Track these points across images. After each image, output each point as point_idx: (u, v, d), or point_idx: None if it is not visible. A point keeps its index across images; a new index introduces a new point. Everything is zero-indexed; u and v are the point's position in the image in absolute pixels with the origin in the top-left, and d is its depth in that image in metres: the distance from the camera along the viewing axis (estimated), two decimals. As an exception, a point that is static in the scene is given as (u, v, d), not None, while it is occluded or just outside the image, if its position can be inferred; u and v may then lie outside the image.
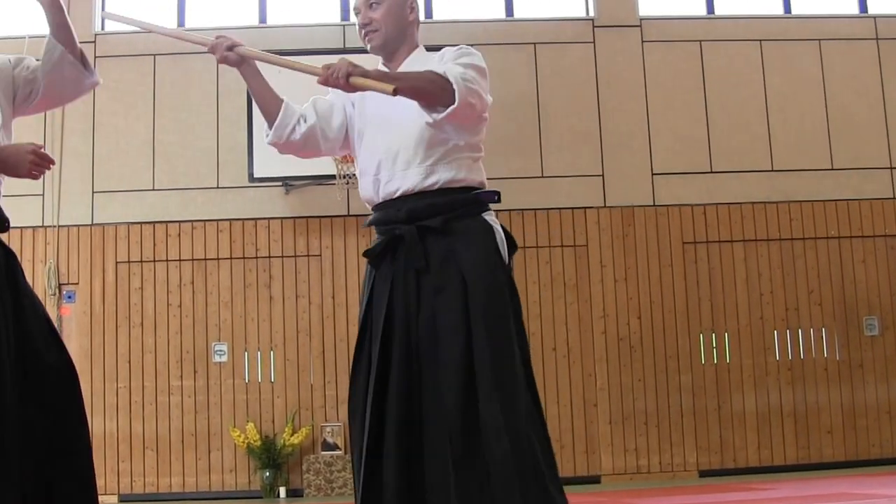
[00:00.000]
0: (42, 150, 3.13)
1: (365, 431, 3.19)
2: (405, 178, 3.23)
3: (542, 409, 3.20)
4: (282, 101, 3.39)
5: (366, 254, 3.35)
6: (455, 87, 3.04)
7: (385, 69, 3.27)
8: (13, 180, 3.25)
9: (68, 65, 3.32)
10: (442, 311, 3.16)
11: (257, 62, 3.35)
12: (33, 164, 3.10)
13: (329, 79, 3.02)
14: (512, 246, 3.32)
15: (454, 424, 3.09)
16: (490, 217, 3.28)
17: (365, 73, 3.00)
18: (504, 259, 3.25)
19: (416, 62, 3.34)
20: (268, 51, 8.80)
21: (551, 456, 3.16)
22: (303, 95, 3.53)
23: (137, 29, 9.30)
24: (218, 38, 3.33)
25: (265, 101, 3.42)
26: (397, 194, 3.24)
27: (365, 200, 3.37)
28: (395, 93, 2.96)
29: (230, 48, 3.28)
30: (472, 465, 3.05)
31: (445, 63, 3.20)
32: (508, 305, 3.20)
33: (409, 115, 3.19)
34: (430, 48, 3.46)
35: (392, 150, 3.24)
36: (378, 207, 3.32)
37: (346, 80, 2.99)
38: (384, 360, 3.20)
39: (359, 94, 3.32)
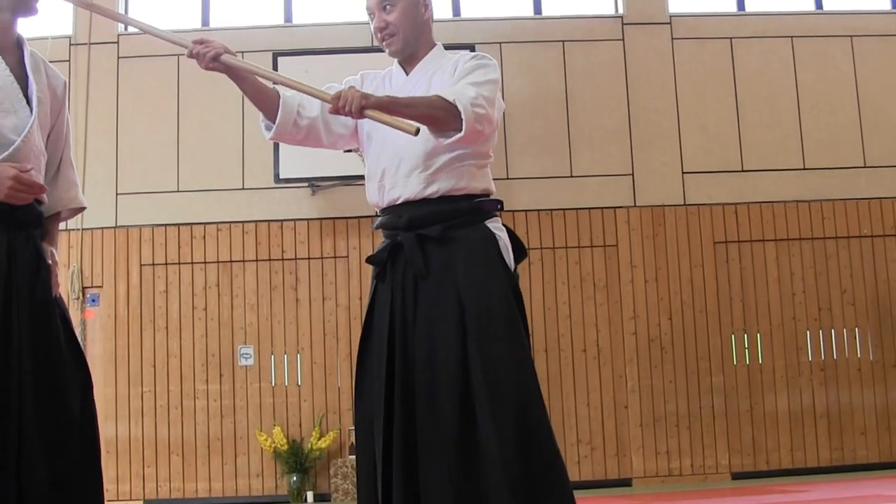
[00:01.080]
0: (28, 173, 3.04)
1: (379, 442, 3.19)
2: (406, 185, 3.23)
3: (546, 416, 3.16)
4: (277, 95, 3.34)
5: (369, 260, 3.37)
6: (463, 115, 3.04)
7: (395, 94, 3.21)
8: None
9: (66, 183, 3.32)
10: (438, 323, 3.17)
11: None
12: (12, 189, 3.00)
13: (341, 109, 3.01)
14: (520, 252, 3.31)
15: (450, 440, 3.09)
16: (494, 224, 3.28)
17: (379, 104, 2.99)
18: (508, 267, 3.24)
19: (433, 63, 3.35)
20: (294, 52, 8.67)
21: (557, 471, 3.11)
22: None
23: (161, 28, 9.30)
24: (198, 44, 3.23)
25: (258, 99, 3.37)
26: (399, 201, 3.25)
27: (371, 204, 3.38)
28: (417, 133, 2.98)
29: (215, 58, 3.18)
30: (469, 483, 3.06)
31: (458, 78, 3.20)
32: (508, 314, 3.18)
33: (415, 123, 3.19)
34: (458, 46, 3.42)
35: (396, 158, 3.23)
36: (383, 212, 3.33)
37: (359, 112, 2.99)
38: (389, 371, 3.20)
39: (371, 90, 3.31)
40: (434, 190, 3.21)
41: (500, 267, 3.22)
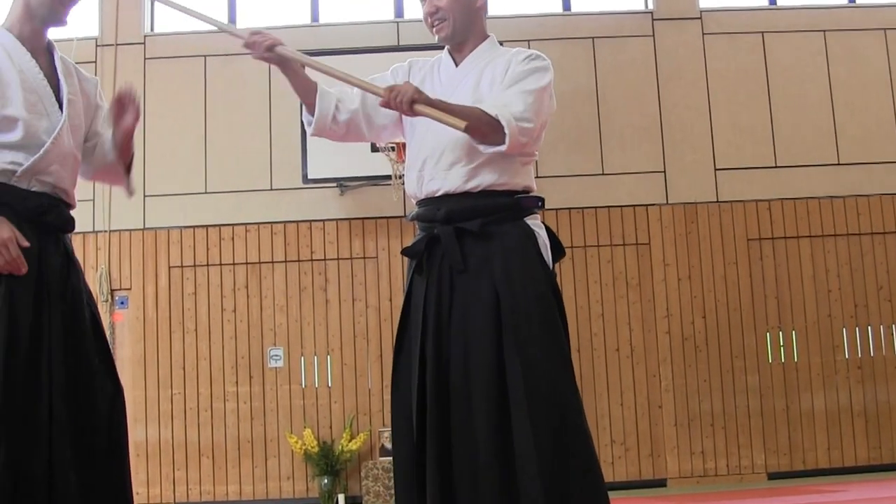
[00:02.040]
0: (14, 245, 3.04)
1: (413, 441, 3.20)
2: (447, 178, 3.22)
3: (584, 415, 3.15)
4: (316, 88, 3.34)
5: (404, 252, 3.35)
6: (507, 131, 3.04)
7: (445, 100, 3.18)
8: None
9: (115, 171, 3.41)
10: (473, 320, 3.17)
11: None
12: None
13: (391, 102, 3.02)
14: (558, 251, 3.30)
15: (484, 441, 3.08)
16: (534, 221, 3.27)
17: (430, 102, 3.01)
18: (547, 265, 3.23)
19: (485, 55, 3.31)
20: (321, 51, 8.62)
21: (592, 476, 3.09)
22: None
23: (187, 30, 9.29)
24: (254, 35, 3.26)
25: (304, 95, 3.38)
26: (438, 193, 3.23)
27: (409, 194, 3.37)
28: (467, 129, 2.98)
29: (270, 48, 3.21)
30: (503, 485, 3.04)
31: (509, 83, 3.18)
32: (547, 313, 3.17)
33: None
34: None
35: (438, 149, 3.22)
36: (420, 203, 3.31)
37: (409, 107, 3.00)
38: (422, 367, 3.19)
39: (418, 80, 3.32)
40: (475, 184, 3.19)
41: (538, 264, 3.20)
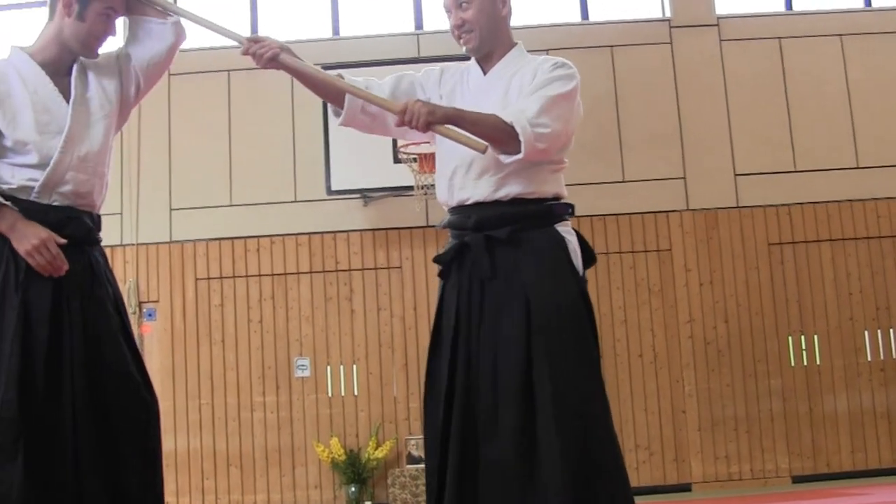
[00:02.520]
0: (53, 244, 3.14)
1: (436, 450, 3.21)
2: (476, 187, 3.23)
3: (611, 422, 3.16)
4: (342, 81, 3.31)
5: (436, 259, 3.38)
6: (522, 137, 3.03)
7: (456, 107, 3.20)
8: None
9: (143, 23, 3.39)
10: (503, 326, 3.17)
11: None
12: (35, 249, 3.12)
13: (406, 124, 3.03)
14: (589, 257, 3.31)
15: (510, 449, 3.06)
16: (564, 228, 3.26)
17: (446, 118, 3.03)
18: (577, 271, 3.23)
19: (513, 64, 3.32)
20: (342, 64, 8.70)
21: (618, 483, 3.09)
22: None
23: (210, 46, 9.33)
24: (253, 43, 3.27)
25: (322, 92, 3.42)
26: (469, 202, 3.24)
27: (440, 202, 3.38)
28: (485, 150, 3.01)
29: (272, 59, 3.24)
30: (528, 490, 3.05)
31: (533, 89, 3.18)
32: (576, 320, 3.17)
33: None
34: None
35: (467, 158, 3.21)
36: (452, 211, 3.32)
37: (426, 129, 3.03)
38: (451, 373, 3.21)
39: (448, 88, 3.39)
40: (504, 193, 3.20)
41: (568, 271, 3.21)
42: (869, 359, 8.93)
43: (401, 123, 3.05)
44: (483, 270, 3.20)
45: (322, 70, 3.36)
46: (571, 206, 3.32)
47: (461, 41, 3.35)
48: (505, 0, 3.35)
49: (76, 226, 3.24)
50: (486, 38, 3.32)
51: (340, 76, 3.35)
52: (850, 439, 8.80)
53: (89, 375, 3.16)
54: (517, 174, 3.19)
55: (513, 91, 3.27)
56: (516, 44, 3.40)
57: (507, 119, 3.06)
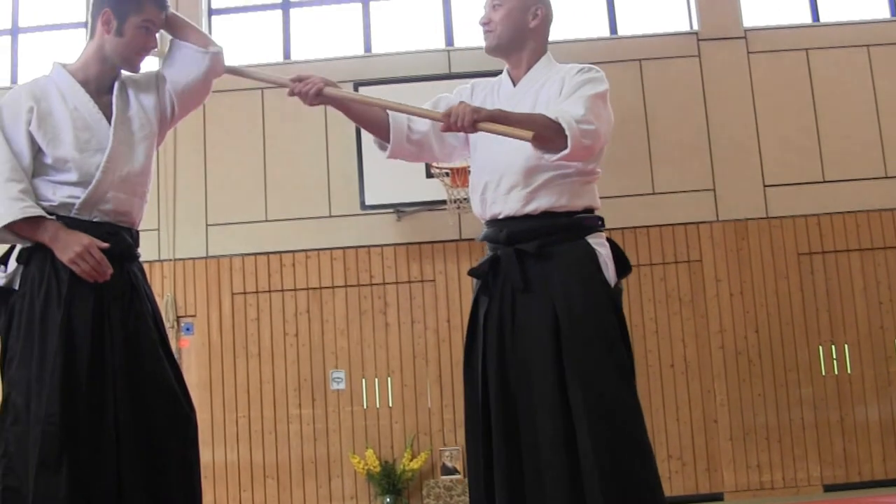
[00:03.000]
0: (96, 249, 3.19)
1: (479, 457, 3.25)
2: (507, 202, 3.28)
3: (644, 429, 3.16)
4: (386, 115, 3.38)
5: (471, 272, 3.43)
6: (568, 133, 3.04)
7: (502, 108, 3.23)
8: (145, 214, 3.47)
9: (182, 48, 3.45)
10: (534, 338, 3.19)
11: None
12: (79, 256, 3.16)
13: (452, 126, 3.06)
14: (624, 267, 3.32)
15: (549, 459, 3.10)
16: (595, 239, 3.28)
17: (491, 117, 3.04)
18: (608, 283, 3.24)
19: (541, 75, 3.37)
20: (374, 81, 8.70)
21: (652, 490, 3.11)
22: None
23: (245, 63, 9.40)
24: (297, 83, 3.32)
25: (365, 123, 3.45)
26: (500, 216, 3.30)
27: (476, 215, 3.43)
28: (532, 138, 3.00)
29: (317, 94, 3.29)
30: (568, 499, 3.06)
31: (567, 94, 3.21)
32: (606, 330, 3.18)
33: (517, 140, 3.18)
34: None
35: (497, 173, 3.27)
36: (487, 224, 3.38)
37: (472, 126, 3.04)
38: (484, 385, 3.24)
39: (479, 101, 3.41)
40: (534, 207, 3.25)
41: (598, 282, 3.22)
42: None
43: (447, 128, 3.09)
44: (514, 283, 3.24)
45: (365, 96, 3.43)
46: (601, 219, 3.34)
47: (484, 37, 3.43)
48: (537, 14, 3.39)
49: (116, 242, 3.27)
50: (504, 42, 3.38)
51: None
52: (882, 447, 8.75)
53: (131, 389, 3.21)
54: (546, 188, 3.24)
55: (541, 101, 3.30)
56: (545, 54, 3.44)
57: (553, 115, 3.08)
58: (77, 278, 3.19)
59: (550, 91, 3.30)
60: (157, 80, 3.45)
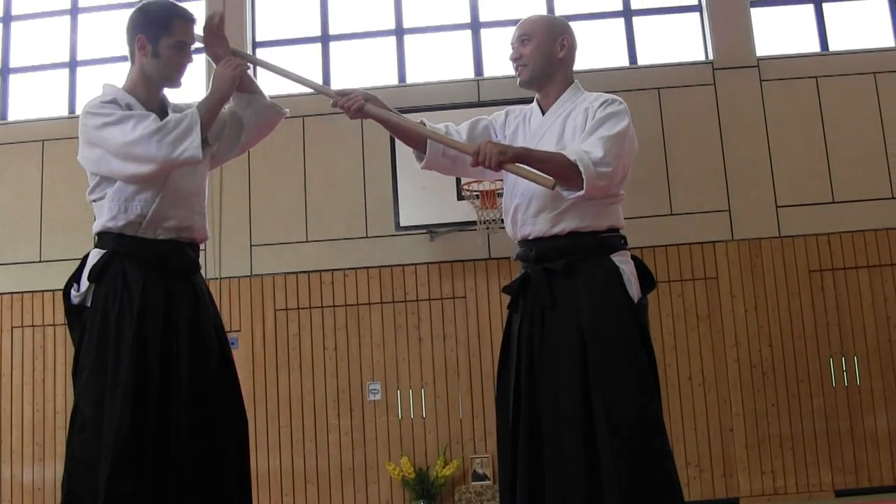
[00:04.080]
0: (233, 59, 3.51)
1: (508, 465, 3.35)
2: (535, 224, 3.39)
3: (665, 440, 3.21)
4: (423, 127, 3.48)
5: (504, 290, 3.54)
6: (585, 176, 3.15)
7: (525, 147, 3.35)
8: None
9: (266, 108, 3.77)
10: (562, 354, 3.26)
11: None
12: (230, 66, 3.48)
13: (481, 164, 3.20)
14: (648, 283, 3.41)
15: (571, 466, 3.16)
16: (620, 258, 3.36)
17: (515, 157, 3.17)
18: (632, 299, 3.31)
19: (568, 103, 3.46)
20: (409, 109, 9.06)
21: (672, 498, 3.18)
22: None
23: (285, 93, 9.73)
24: (341, 97, 3.47)
25: (405, 137, 3.59)
26: (531, 237, 3.42)
27: (509, 236, 3.55)
28: (554, 187, 3.14)
29: (359, 110, 3.45)
30: None
31: (590, 131, 3.28)
32: (629, 345, 3.24)
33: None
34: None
35: (527, 196, 3.38)
36: (519, 244, 3.49)
37: (497, 167, 3.18)
38: (517, 398, 3.34)
39: (511, 129, 3.56)
40: (561, 228, 3.34)
41: (622, 299, 3.28)
42: None
43: (475, 164, 3.21)
44: (543, 300, 3.32)
45: (405, 117, 3.53)
46: (623, 238, 3.42)
47: (516, 72, 3.53)
48: (564, 44, 3.48)
49: (179, 257, 3.45)
50: (538, 74, 3.47)
51: (423, 122, 3.52)
52: (890, 455, 8.79)
53: (195, 396, 3.33)
54: (572, 210, 3.32)
55: (567, 132, 3.39)
56: (573, 82, 3.52)
57: (572, 157, 3.17)
58: (148, 295, 3.31)
59: (577, 121, 3.37)
60: (225, 115, 3.63)
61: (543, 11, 9.79)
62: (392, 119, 3.51)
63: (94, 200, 3.46)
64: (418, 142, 3.56)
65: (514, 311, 3.47)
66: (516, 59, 3.49)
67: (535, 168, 3.21)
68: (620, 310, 3.26)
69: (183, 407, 3.30)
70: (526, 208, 3.39)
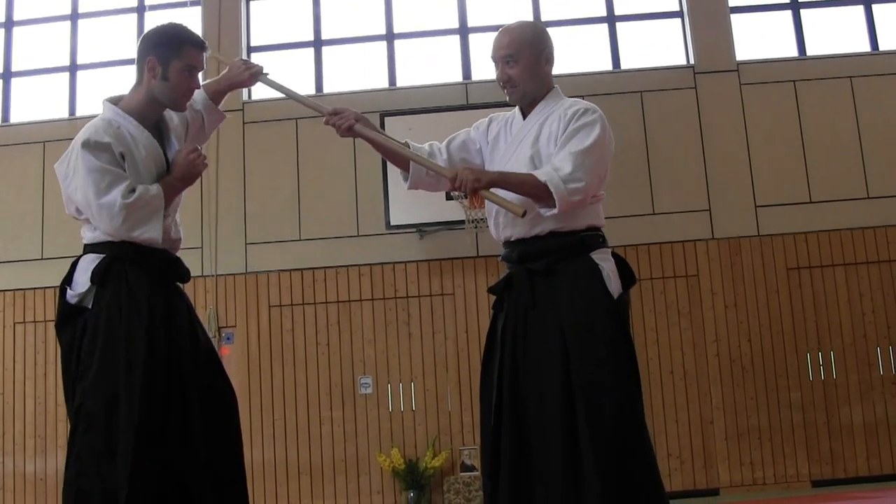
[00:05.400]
0: (196, 150, 3.50)
1: (487, 460, 3.38)
2: (515, 226, 3.42)
3: (646, 435, 3.24)
4: (407, 150, 3.52)
5: (489, 290, 3.59)
6: (556, 196, 3.19)
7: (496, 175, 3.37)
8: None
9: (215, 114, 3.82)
10: (544, 352, 3.28)
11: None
12: (195, 161, 3.47)
13: (458, 189, 3.27)
14: (629, 279, 3.43)
15: (553, 461, 3.19)
16: (599, 255, 3.38)
17: (491, 182, 3.23)
18: (611, 296, 3.32)
19: (547, 108, 3.47)
20: (399, 111, 9.06)
21: (654, 492, 3.19)
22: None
23: (280, 97, 9.89)
24: (332, 115, 3.53)
25: (390, 157, 3.66)
26: (512, 239, 3.46)
27: (494, 237, 3.59)
28: (524, 215, 3.20)
29: (348, 129, 3.50)
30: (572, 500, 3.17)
31: (562, 144, 3.31)
32: (609, 341, 3.25)
33: (522, 166, 3.38)
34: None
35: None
36: (503, 245, 3.53)
37: (473, 194, 3.23)
38: (499, 393, 3.35)
39: (493, 135, 3.58)
40: (540, 229, 3.37)
41: (602, 296, 3.30)
42: (881, 373, 9.10)
43: (451, 188, 3.29)
44: (525, 299, 3.35)
45: (391, 138, 3.58)
46: (601, 236, 3.41)
47: (505, 92, 3.51)
48: (548, 58, 3.49)
49: (175, 267, 3.52)
50: (529, 91, 3.47)
51: (407, 144, 3.56)
52: (866, 447, 8.98)
53: (199, 390, 3.38)
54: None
55: (542, 137, 3.41)
56: (553, 87, 3.53)
57: (542, 179, 3.20)
58: (153, 300, 3.35)
59: (552, 127, 3.39)
60: (188, 117, 3.67)
61: (530, 17, 10.00)
62: (379, 139, 3.56)
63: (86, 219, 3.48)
64: (403, 163, 3.60)
65: (498, 311, 3.48)
66: (505, 81, 3.47)
67: (512, 190, 3.27)
68: (600, 307, 3.27)
69: (187, 400, 3.34)
70: (506, 212, 3.39)
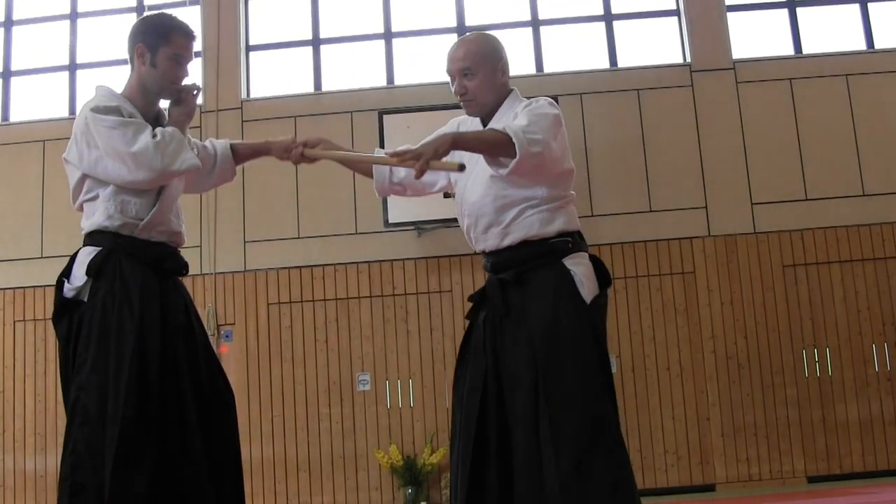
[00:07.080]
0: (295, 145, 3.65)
1: (459, 464, 3.36)
2: (487, 239, 3.43)
3: (617, 436, 3.21)
4: (371, 156, 3.58)
5: (469, 299, 3.60)
6: (515, 141, 3.12)
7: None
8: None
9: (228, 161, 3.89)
10: (516, 361, 3.28)
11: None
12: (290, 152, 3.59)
13: (404, 162, 3.18)
14: (604, 280, 3.40)
15: (526, 470, 3.18)
16: (572, 260, 3.36)
17: (451, 145, 3.15)
18: (583, 302, 3.30)
19: (506, 113, 3.44)
20: (397, 109, 9.05)
21: (623, 492, 3.15)
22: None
23: (278, 94, 9.79)
24: (283, 147, 3.69)
25: (356, 167, 3.76)
26: (486, 251, 3.48)
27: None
28: (461, 169, 3.18)
29: (300, 155, 3.66)
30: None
31: (517, 118, 3.29)
32: (577, 347, 3.24)
33: (487, 179, 3.37)
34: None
35: (474, 214, 3.43)
36: (482, 256, 3.56)
37: (420, 173, 3.13)
38: (483, 406, 3.33)
39: None
40: (510, 241, 3.37)
41: (572, 301, 3.29)
42: (877, 370, 9.16)
43: (401, 162, 3.18)
44: (497, 309, 3.35)
45: (352, 150, 3.69)
46: (570, 241, 3.37)
47: (462, 105, 3.49)
48: (504, 69, 3.48)
49: (174, 259, 3.51)
50: (486, 104, 3.45)
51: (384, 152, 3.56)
52: (861, 443, 9.02)
53: (194, 385, 3.38)
54: (518, 221, 3.34)
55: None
56: (511, 90, 3.51)
57: (499, 127, 3.19)
58: (146, 292, 3.33)
59: (508, 121, 3.36)
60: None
61: (527, 15, 10.07)
62: (337, 156, 3.70)
63: (86, 201, 3.48)
64: (369, 174, 3.71)
65: (474, 321, 3.49)
66: (462, 93, 3.45)
67: (469, 148, 3.25)
68: (569, 312, 3.27)
69: (182, 395, 3.33)
70: (475, 226, 3.43)
